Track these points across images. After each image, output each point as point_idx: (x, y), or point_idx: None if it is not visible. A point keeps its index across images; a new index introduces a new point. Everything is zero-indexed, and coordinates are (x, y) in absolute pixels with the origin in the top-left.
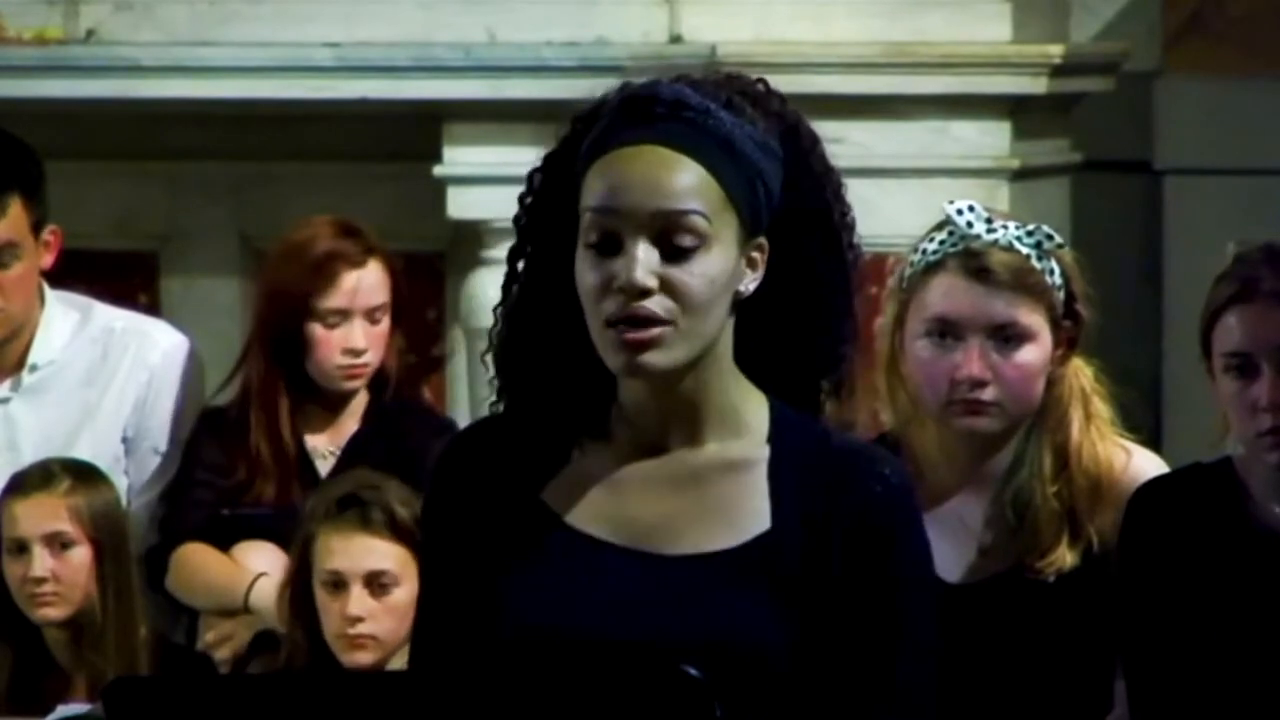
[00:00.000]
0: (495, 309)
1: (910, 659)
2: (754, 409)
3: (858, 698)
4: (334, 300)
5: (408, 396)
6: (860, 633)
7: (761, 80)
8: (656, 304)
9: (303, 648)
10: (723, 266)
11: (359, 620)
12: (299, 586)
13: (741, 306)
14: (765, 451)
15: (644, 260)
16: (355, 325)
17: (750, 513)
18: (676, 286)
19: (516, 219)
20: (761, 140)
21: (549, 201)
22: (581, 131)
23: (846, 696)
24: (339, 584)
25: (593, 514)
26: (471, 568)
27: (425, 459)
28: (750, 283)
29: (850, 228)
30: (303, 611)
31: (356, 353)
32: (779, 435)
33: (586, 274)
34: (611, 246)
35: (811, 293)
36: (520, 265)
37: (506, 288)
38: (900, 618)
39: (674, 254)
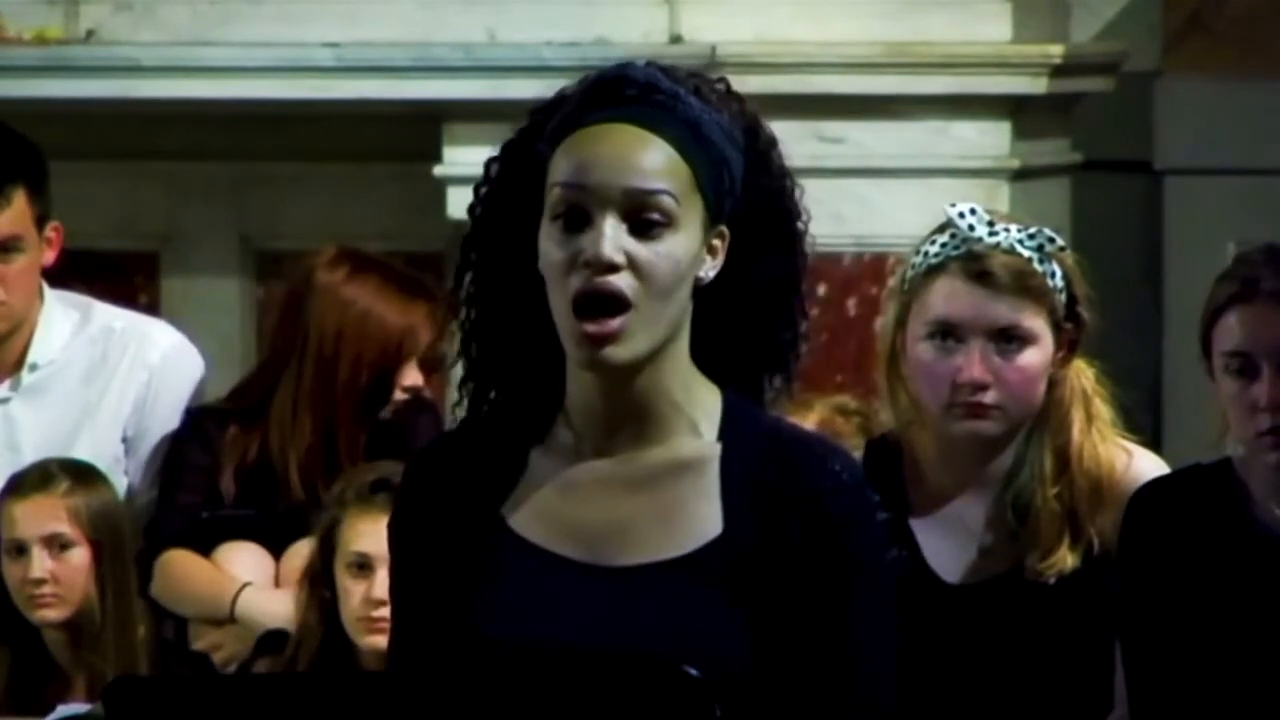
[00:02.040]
0: (445, 305)
1: (867, 656)
2: (707, 403)
3: (817, 697)
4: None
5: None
6: (816, 632)
7: (723, 80)
8: (622, 281)
9: (316, 633)
10: (687, 249)
11: (383, 604)
12: (319, 570)
13: (699, 297)
14: (717, 449)
15: (612, 236)
16: (413, 364)
17: (702, 516)
18: (643, 265)
19: (471, 209)
20: (728, 129)
21: (507, 189)
22: (541, 122)
23: (806, 697)
24: (364, 566)
25: (548, 526)
26: (433, 584)
27: (412, 438)
28: (710, 270)
29: (804, 229)
30: (320, 595)
31: (414, 390)
32: (730, 431)
33: (552, 250)
34: (579, 222)
35: (766, 289)
36: (473, 256)
37: (459, 278)
38: (856, 615)
39: (642, 233)
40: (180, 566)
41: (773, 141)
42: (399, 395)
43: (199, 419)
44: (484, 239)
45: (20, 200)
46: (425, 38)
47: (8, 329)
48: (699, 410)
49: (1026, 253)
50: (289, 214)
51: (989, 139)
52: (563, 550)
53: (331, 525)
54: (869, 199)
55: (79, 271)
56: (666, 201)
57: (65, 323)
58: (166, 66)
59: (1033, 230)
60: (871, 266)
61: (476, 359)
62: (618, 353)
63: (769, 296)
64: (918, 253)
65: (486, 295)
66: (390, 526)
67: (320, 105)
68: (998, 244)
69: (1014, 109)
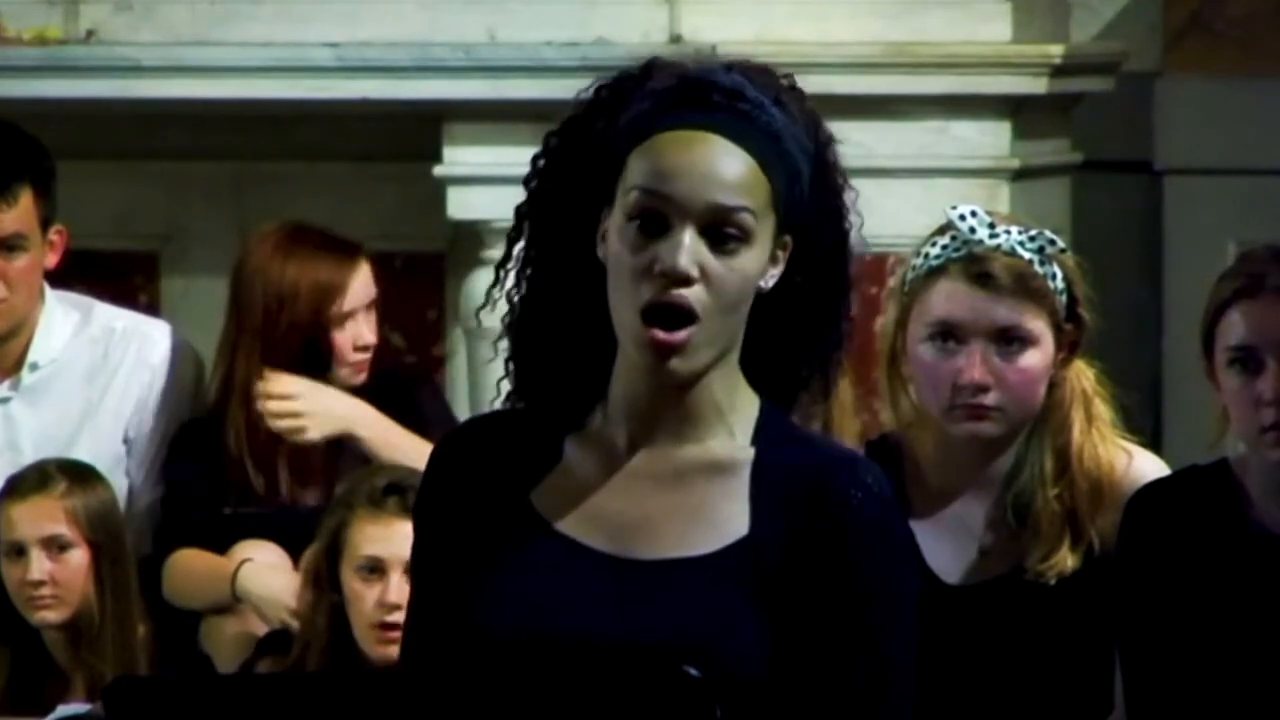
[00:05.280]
0: (497, 273)
1: (884, 668)
2: (746, 408)
3: (831, 705)
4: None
5: (389, 369)
6: (834, 641)
7: (788, 76)
8: (694, 295)
9: (323, 636)
10: (758, 265)
11: (397, 608)
12: (324, 572)
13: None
14: (750, 453)
15: (690, 248)
16: (359, 322)
17: (730, 517)
18: (715, 280)
19: (527, 180)
20: (802, 140)
21: (566, 166)
22: (608, 100)
23: (820, 704)
24: (376, 570)
25: (577, 515)
26: (457, 567)
27: (425, 416)
28: (770, 278)
29: (851, 228)
30: (328, 599)
31: (368, 348)
32: (765, 437)
33: (625, 252)
34: (656, 229)
35: (818, 291)
36: (526, 228)
37: (509, 249)
38: (875, 628)
39: (718, 246)
40: (183, 562)
41: (830, 140)
42: (355, 356)
43: (192, 429)
44: (539, 214)
45: (27, 199)
46: (425, 38)
47: (8, 328)
48: (737, 415)
49: (1027, 254)
50: (289, 214)
51: (989, 139)
52: (588, 540)
53: (338, 528)
54: (869, 199)
55: (79, 271)
56: (746, 219)
57: (66, 323)
58: (166, 66)
59: (1033, 232)
60: (871, 266)
61: (522, 338)
62: (683, 365)
63: (820, 298)
64: (918, 254)
65: (537, 273)
66: (415, 504)
67: (320, 105)
68: (998, 246)
69: (1014, 109)
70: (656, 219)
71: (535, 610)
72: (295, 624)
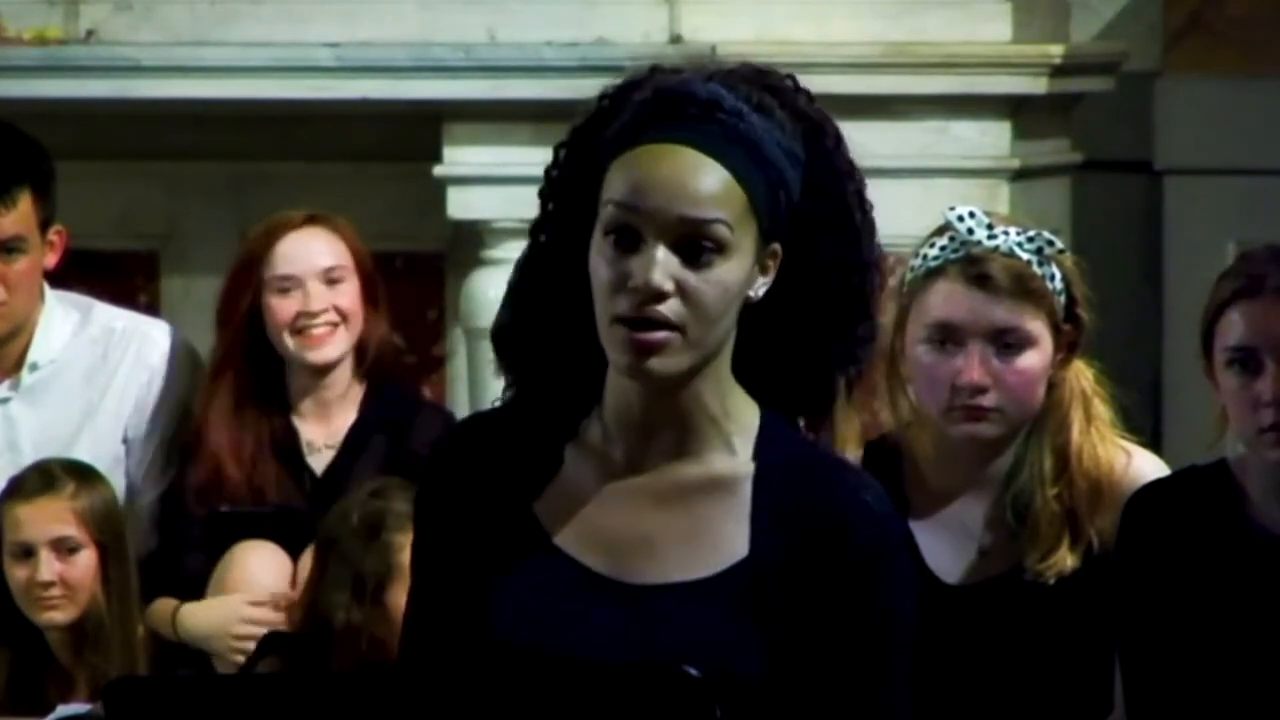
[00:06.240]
0: (513, 280)
1: (884, 690)
2: (744, 420)
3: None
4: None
5: (407, 390)
6: (837, 661)
7: (790, 76)
8: (669, 308)
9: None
10: (739, 275)
11: None
12: (372, 594)
13: (751, 310)
14: (750, 469)
15: (663, 264)
16: (316, 284)
17: (729, 537)
18: (691, 293)
19: (542, 191)
20: (788, 145)
21: (570, 180)
22: (609, 110)
23: (819, 717)
24: None
25: (577, 533)
26: (459, 569)
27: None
28: (760, 288)
29: (871, 229)
30: (371, 622)
31: (312, 315)
32: (765, 451)
33: (601, 267)
34: (630, 243)
35: (828, 295)
36: (541, 239)
37: (524, 263)
38: (875, 648)
39: (694, 261)
40: (148, 611)
41: (839, 139)
42: (301, 323)
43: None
44: (548, 224)
45: (25, 202)
46: (425, 38)
47: (8, 330)
48: (735, 426)
49: (1025, 255)
50: None
51: (989, 139)
52: (588, 560)
53: (384, 550)
54: (869, 199)
55: (79, 271)
56: (720, 230)
57: (66, 323)
58: (166, 66)
59: (1032, 233)
60: None
61: (517, 343)
62: (661, 365)
63: (833, 299)
64: (917, 255)
65: (538, 279)
66: (416, 503)
67: (320, 105)
68: (997, 247)
69: (1014, 109)
70: (630, 233)
71: (530, 630)
72: (247, 644)
